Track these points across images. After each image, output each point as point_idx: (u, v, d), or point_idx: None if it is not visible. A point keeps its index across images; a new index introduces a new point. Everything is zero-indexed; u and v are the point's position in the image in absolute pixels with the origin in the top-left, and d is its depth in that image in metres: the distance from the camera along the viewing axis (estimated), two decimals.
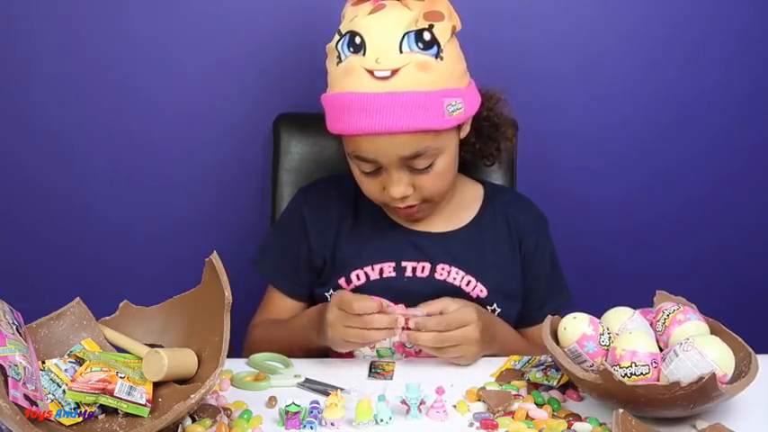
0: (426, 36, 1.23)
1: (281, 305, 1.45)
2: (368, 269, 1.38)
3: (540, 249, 1.44)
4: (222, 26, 1.67)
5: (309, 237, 1.42)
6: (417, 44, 1.22)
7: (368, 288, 1.37)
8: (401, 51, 1.22)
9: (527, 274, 1.43)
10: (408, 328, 1.22)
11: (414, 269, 1.38)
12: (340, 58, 1.25)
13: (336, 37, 1.27)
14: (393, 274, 1.37)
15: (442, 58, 1.24)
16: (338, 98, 1.25)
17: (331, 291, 1.39)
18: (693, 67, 1.75)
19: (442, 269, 1.38)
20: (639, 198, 1.82)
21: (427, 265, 1.38)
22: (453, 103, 1.26)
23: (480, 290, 1.38)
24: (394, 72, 1.21)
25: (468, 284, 1.37)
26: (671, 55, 1.74)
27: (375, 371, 1.23)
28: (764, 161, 1.82)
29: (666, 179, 1.81)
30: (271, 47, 1.69)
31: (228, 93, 1.70)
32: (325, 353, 1.32)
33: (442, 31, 1.25)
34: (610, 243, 1.85)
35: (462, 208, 1.43)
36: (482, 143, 1.42)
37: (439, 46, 1.24)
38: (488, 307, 1.37)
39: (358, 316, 1.20)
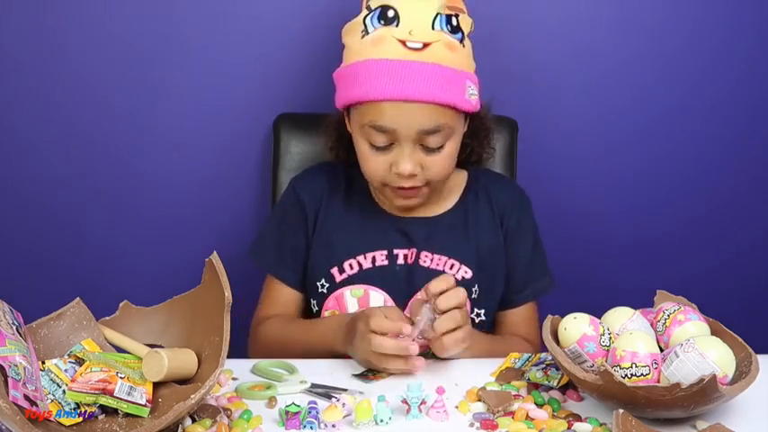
0: (453, 22, 1.29)
1: (283, 297, 1.45)
2: (360, 258, 1.39)
3: (522, 229, 1.45)
4: (222, 26, 1.67)
5: (308, 222, 1.43)
6: (447, 26, 1.28)
7: (361, 277, 1.38)
8: (433, 28, 1.27)
9: (508, 253, 1.44)
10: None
11: (405, 257, 1.39)
12: (366, 31, 1.28)
13: (364, 12, 1.30)
14: (385, 263, 1.39)
15: (464, 45, 1.31)
16: (365, 65, 1.27)
17: (323, 281, 1.40)
18: (698, 69, 1.75)
19: (426, 256, 1.39)
20: (640, 198, 1.82)
21: (415, 252, 1.40)
22: (472, 88, 1.32)
23: (465, 272, 1.39)
24: (426, 45, 1.26)
25: (451, 268, 1.39)
26: (672, 57, 1.74)
27: (366, 373, 1.23)
28: (765, 162, 1.82)
29: (666, 179, 1.81)
30: (271, 47, 1.69)
31: (229, 93, 1.70)
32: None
33: (464, 22, 1.31)
34: (610, 242, 1.84)
35: (448, 193, 1.45)
36: (476, 144, 1.43)
37: (463, 33, 1.30)
38: (471, 289, 1.38)
39: (372, 333, 1.19)
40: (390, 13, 1.27)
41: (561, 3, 1.71)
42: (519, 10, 1.70)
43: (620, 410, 0.98)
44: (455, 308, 1.20)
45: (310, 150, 1.61)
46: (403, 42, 1.26)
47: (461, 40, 1.30)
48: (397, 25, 1.27)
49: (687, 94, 1.76)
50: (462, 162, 1.42)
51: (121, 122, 1.71)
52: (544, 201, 1.54)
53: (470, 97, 1.31)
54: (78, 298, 1.15)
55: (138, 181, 1.74)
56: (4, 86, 1.68)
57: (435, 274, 1.37)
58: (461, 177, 1.47)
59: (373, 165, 1.33)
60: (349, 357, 1.26)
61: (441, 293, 1.20)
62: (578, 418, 1.09)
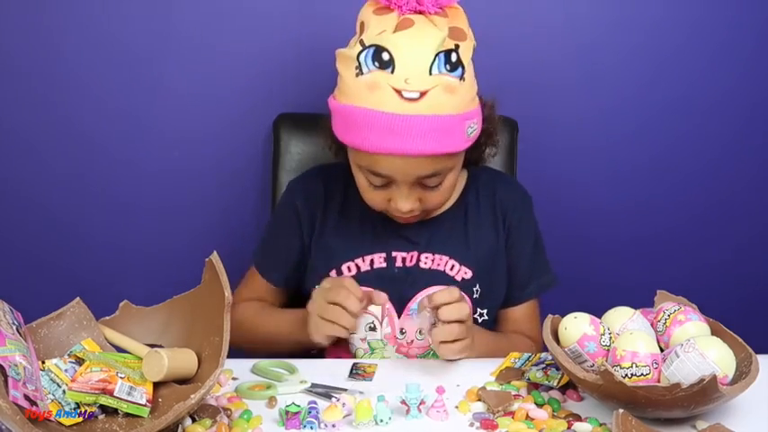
0: (453, 57, 1.22)
1: (263, 286, 1.46)
2: (359, 261, 1.39)
3: (524, 226, 1.45)
4: (223, 26, 1.67)
5: (303, 228, 1.42)
6: (446, 66, 1.21)
7: (359, 279, 1.37)
8: (430, 73, 1.20)
9: (510, 251, 1.44)
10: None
11: (404, 259, 1.39)
12: (361, 70, 1.22)
13: (358, 47, 1.23)
14: (383, 265, 1.39)
15: (464, 80, 1.24)
16: (360, 113, 1.22)
17: None
18: (698, 67, 1.75)
19: (426, 257, 1.39)
20: (640, 199, 1.82)
21: (415, 254, 1.39)
22: (472, 125, 1.27)
23: (465, 272, 1.39)
24: (422, 94, 1.20)
25: (452, 269, 1.39)
26: (672, 56, 1.74)
27: (356, 372, 1.23)
28: (765, 159, 1.82)
29: (666, 178, 1.81)
30: (271, 47, 1.69)
31: (229, 92, 1.70)
32: (304, 353, 1.33)
33: (465, 52, 1.25)
34: (610, 242, 1.85)
35: None
36: (476, 150, 1.41)
37: (463, 67, 1.23)
38: (473, 289, 1.38)
39: (333, 293, 1.22)
40: (385, 57, 1.19)
41: (561, 2, 1.71)
42: (519, 10, 1.70)
43: (620, 410, 0.98)
44: (456, 321, 1.20)
45: (310, 150, 1.61)
46: (399, 92, 1.19)
47: (462, 76, 1.23)
48: (392, 71, 1.19)
49: (687, 93, 1.77)
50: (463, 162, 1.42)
51: (121, 122, 1.71)
52: (544, 201, 1.53)
53: (470, 136, 1.28)
54: (78, 298, 1.15)
55: (137, 181, 1.74)
56: (4, 86, 1.68)
57: (434, 275, 1.38)
58: (462, 176, 1.47)
59: (371, 198, 1.33)
60: (341, 357, 1.26)
61: (444, 304, 1.20)
62: (578, 418, 1.09)
